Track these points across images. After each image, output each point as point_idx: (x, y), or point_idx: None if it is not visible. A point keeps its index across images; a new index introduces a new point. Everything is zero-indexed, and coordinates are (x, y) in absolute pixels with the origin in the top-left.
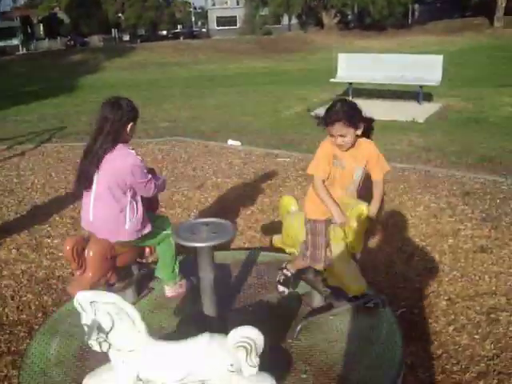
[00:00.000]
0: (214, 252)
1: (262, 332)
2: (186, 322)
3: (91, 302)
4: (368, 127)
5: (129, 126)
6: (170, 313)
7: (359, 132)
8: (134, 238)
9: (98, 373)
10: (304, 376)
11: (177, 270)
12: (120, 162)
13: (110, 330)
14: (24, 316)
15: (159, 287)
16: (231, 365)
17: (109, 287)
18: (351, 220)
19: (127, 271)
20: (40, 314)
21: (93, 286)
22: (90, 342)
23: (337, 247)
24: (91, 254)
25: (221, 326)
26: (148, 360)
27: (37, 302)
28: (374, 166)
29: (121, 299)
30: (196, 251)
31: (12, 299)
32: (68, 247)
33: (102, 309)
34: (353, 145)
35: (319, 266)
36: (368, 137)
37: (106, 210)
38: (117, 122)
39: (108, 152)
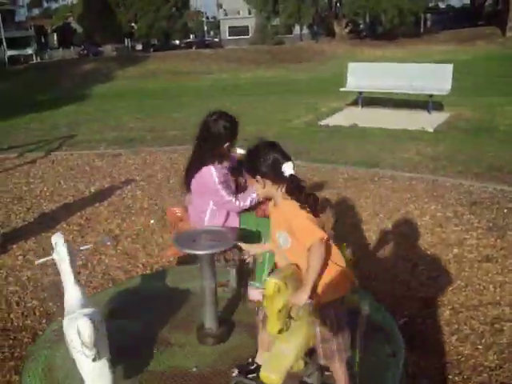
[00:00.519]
0: (215, 260)
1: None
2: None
3: (54, 243)
4: (290, 187)
5: (225, 145)
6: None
7: (260, 184)
8: None
9: None
10: None
11: (265, 277)
12: (202, 180)
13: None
14: (29, 322)
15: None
16: (71, 340)
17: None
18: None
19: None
20: (44, 321)
21: (179, 253)
22: None
23: None
24: (181, 226)
25: (222, 334)
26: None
27: (41, 309)
28: (297, 236)
29: (60, 242)
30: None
31: (17, 305)
32: (169, 211)
33: (55, 250)
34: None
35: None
36: (310, 206)
37: (194, 206)
38: (214, 139)
39: (202, 165)
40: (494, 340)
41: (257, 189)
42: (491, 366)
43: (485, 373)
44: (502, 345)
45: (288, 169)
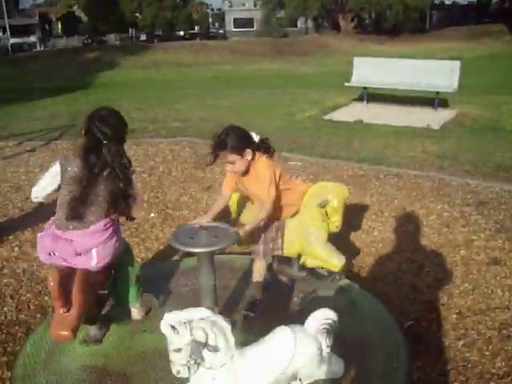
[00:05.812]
0: (214, 257)
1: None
2: None
3: (185, 322)
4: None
5: None
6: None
7: (248, 157)
8: None
9: None
10: None
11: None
12: None
13: (204, 347)
14: (23, 316)
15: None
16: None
17: None
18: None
19: None
20: (39, 315)
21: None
22: (177, 369)
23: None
24: None
25: None
26: (238, 370)
27: (36, 302)
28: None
29: (211, 312)
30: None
31: (11, 298)
32: None
33: (196, 327)
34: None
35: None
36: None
37: None
38: None
39: None
40: (502, 346)
41: (240, 165)
42: (499, 374)
43: (492, 381)
44: (510, 351)
45: (255, 136)
